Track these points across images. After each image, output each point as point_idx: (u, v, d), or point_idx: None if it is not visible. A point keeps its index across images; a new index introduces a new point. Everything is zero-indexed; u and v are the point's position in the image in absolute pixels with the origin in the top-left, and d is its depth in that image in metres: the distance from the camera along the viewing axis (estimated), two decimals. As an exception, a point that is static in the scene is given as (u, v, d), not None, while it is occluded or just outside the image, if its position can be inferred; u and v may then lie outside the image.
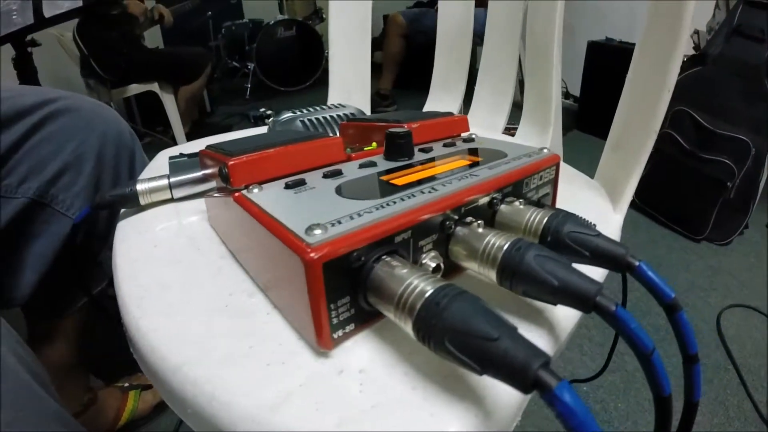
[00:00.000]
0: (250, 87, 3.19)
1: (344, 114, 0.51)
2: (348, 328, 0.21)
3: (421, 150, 0.32)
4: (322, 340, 0.20)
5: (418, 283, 0.18)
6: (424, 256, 0.22)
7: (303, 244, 0.19)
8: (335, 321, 0.20)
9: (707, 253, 1.26)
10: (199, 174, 0.41)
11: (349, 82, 0.76)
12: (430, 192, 0.23)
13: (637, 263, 0.21)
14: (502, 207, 0.26)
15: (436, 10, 0.73)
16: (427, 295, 0.17)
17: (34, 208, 0.51)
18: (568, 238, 0.23)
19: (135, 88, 1.85)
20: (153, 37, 2.43)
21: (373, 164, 0.28)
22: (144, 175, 0.48)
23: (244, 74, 3.25)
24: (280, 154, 0.27)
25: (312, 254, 0.18)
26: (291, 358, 0.21)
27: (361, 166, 0.28)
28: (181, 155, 0.45)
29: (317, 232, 0.19)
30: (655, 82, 0.38)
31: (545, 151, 0.32)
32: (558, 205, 0.35)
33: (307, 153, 0.28)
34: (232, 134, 0.65)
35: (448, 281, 0.18)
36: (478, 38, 0.66)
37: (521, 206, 0.25)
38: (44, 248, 0.53)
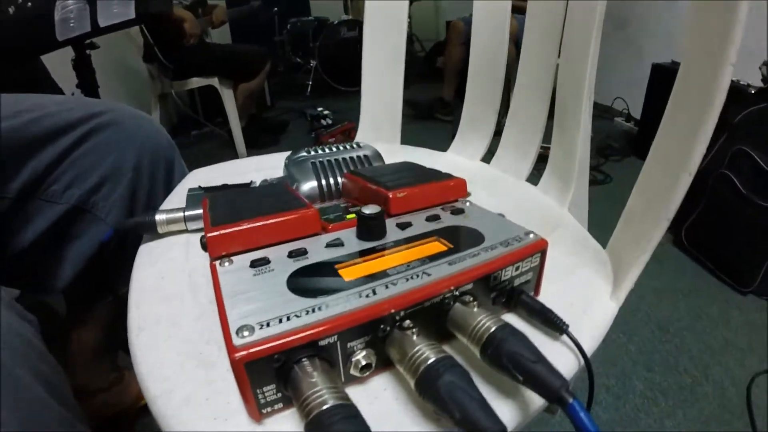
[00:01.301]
0: (312, 84, 3.28)
1: (357, 157, 0.52)
2: (276, 407, 0.24)
3: (399, 225, 0.33)
4: (252, 414, 0.23)
5: (320, 395, 0.20)
6: (355, 354, 0.24)
7: (231, 344, 0.21)
8: (262, 401, 0.23)
9: (752, 308, 1.16)
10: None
11: (380, 113, 0.77)
12: (368, 296, 0.24)
13: (570, 400, 0.21)
14: (457, 306, 0.26)
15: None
16: (322, 408, 0.19)
17: (76, 213, 0.57)
18: (505, 357, 0.23)
19: (196, 82, 1.96)
20: (221, 29, 2.55)
21: (340, 244, 0.30)
22: (166, 204, 0.52)
23: (306, 70, 3.35)
24: (254, 230, 0.29)
25: (235, 355, 0.21)
26: (233, 417, 0.24)
27: (328, 246, 0.29)
28: (200, 188, 0.49)
29: (245, 334, 0.22)
30: (676, 162, 0.36)
31: (531, 236, 0.32)
32: (550, 283, 0.35)
33: (283, 226, 0.30)
34: (252, 160, 0.68)
35: (347, 401, 0.20)
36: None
37: (474, 309, 0.25)
38: (83, 248, 0.58)
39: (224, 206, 0.33)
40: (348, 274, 0.26)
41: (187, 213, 0.45)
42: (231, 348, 0.21)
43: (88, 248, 0.59)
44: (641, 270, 0.37)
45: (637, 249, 0.37)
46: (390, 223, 0.33)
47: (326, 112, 2.44)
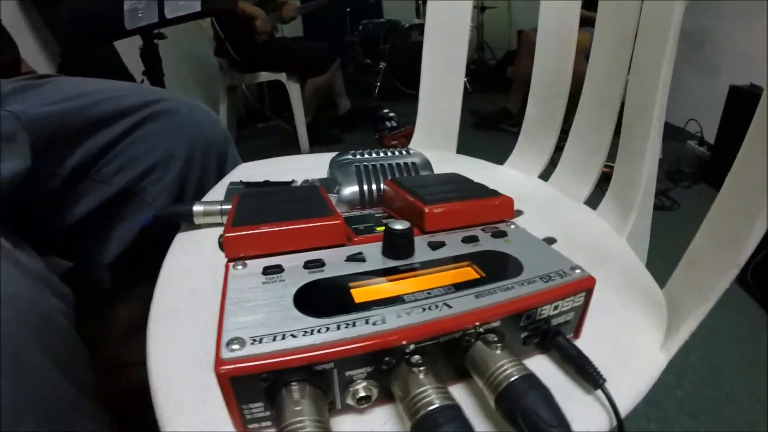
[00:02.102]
0: (380, 85, 3.30)
1: (404, 163, 0.49)
2: (264, 424, 0.22)
3: (431, 244, 0.30)
4: (237, 428, 0.22)
5: (302, 425, 0.18)
6: (354, 383, 0.21)
7: (219, 356, 0.20)
8: (249, 417, 0.21)
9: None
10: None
11: (437, 119, 0.74)
12: (375, 324, 0.21)
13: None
14: (478, 344, 0.23)
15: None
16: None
17: (125, 196, 0.59)
18: (521, 414, 0.19)
19: (265, 76, 2.02)
20: (293, 25, 2.61)
21: (362, 259, 0.27)
22: (208, 196, 0.53)
23: (375, 72, 3.37)
24: (273, 234, 0.28)
25: (220, 368, 0.19)
26: (222, 426, 0.23)
27: (349, 259, 0.27)
28: (241, 183, 0.49)
29: (235, 347, 0.20)
30: (754, 199, 0.30)
31: (578, 272, 0.28)
32: (594, 325, 0.31)
33: (304, 234, 0.28)
34: (303, 157, 0.68)
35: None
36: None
37: (498, 351, 0.22)
38: (129, 229, 0.61)
39: (251, 206, 0.32)
40: (361, 295, 0.24)
41: (224, 207, 0.44)
42: (218, 360, 0.20)
43: (134, 229, 0.61)
44: (700, 320, 0.32)
45: (698, 296, 0.32)
46: (421, 241, 0.30)
47: (392, 114, 2.43)
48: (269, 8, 2.10)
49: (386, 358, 0.21)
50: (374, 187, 0.46)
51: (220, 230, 0.45)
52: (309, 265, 0.27)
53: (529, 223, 0.52)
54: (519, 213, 0.55)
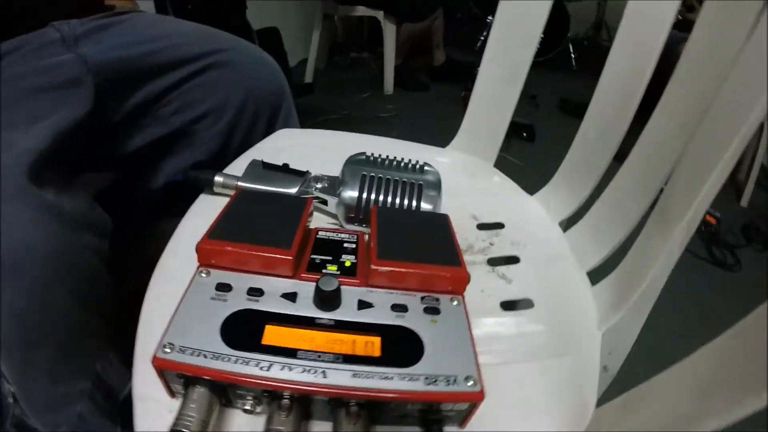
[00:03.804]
0: (483, 40, 3.13)
1: (411, 183, 0.50)
2: None
3: (361, 302, 0.33)
4: (168, 393, 0.30)
5: (189, 417, 0.26)
6: (242, 399, 0.29)
7: (155, 352, 0.27)
8: (175, 390, 0.29)
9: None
10: (258, 187, 0.50)
11: (482, 126, 0.71)
12: (261, 369, 0.27)
13: None
14: (342, 411, 0.28)
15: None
16: (179, 429, 0.25)
17: (177, 135, 0.67)
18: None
19: (361, 10, 2.00)
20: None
21: (292, 300, 0.32)
22: (232, 166, 0.58)
23: (483, 24, 3.19)
24: (234, 254, 0.34)
25: (154, 362, 0.27)
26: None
27: (283, 296, 0.33)
28: (263, 162, 0.54)
29: (167, 350, 0.28)
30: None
31: (469, 384, 0.28)
32: (491, 421, 0.31)
33: (258, 260, 0.34)
34: (347, 136, 0.70)
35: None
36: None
37: (352, 426, 0.27)
38: (176, 165, 0.69)
39: (236, 214, 0.38)
40: (270, 336, 0.29)
41: (239, 183, 0.50)
42: (154, 355, 0.27)
43: (183, 164, 0.69)
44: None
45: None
46: (355, 295, 0.34)
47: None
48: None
49: (265, 394, 0.28)
50: (373, 197, 0.49)
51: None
52: (251, 291, 0.32)
53: (517, 277, 0.50)
54: (516, 260, 0.54)
